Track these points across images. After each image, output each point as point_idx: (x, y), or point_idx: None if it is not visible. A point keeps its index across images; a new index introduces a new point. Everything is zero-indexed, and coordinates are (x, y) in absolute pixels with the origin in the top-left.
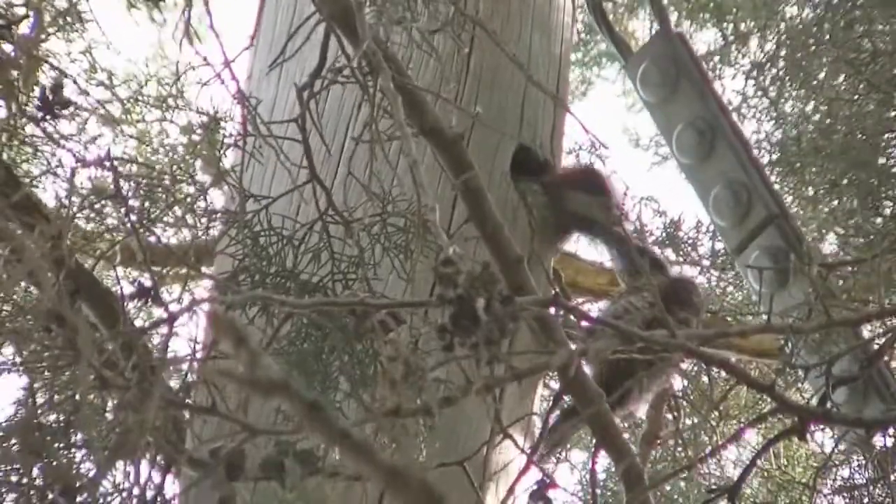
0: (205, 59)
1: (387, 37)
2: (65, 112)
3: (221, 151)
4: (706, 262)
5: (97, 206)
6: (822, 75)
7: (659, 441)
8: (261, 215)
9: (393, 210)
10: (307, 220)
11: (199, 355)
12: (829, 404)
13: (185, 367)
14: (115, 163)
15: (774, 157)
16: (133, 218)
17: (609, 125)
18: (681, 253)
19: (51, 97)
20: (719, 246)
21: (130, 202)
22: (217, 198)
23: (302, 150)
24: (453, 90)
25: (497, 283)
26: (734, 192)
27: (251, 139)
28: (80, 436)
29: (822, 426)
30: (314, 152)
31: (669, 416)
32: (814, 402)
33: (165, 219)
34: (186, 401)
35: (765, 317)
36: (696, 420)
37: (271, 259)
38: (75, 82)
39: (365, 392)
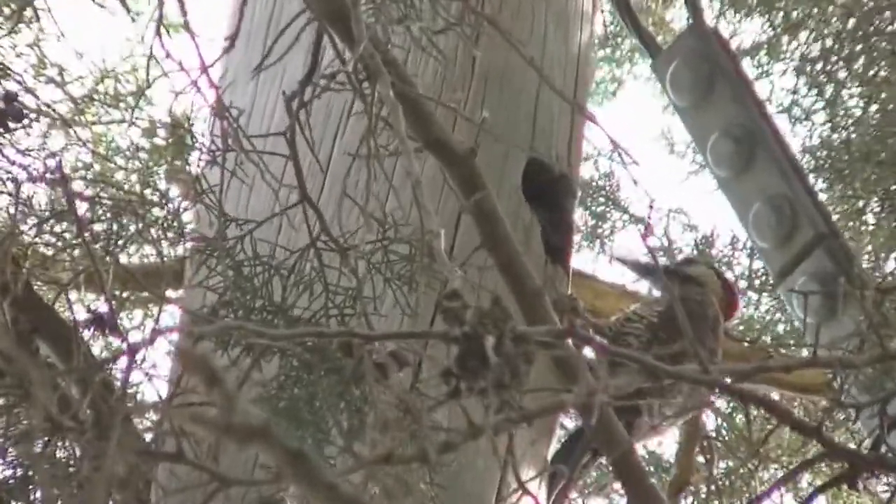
0: (180, 64)
1: (386, 38)
2: (19, 125)
3: (198, 168)
4: (744, 284)
5: (54, 227)
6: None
7: (690, 487)
8: (244, 242)
9: (395, 235)
10: (296, 246)
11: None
12: (883, 448)
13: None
14: (75, 179)
15: (819, 162)
16: (90, 239)
17: (642, 129)
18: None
19: (3, 107)
20: (758, 265)
21: (94, 224)
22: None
23: (284, 162)
24: (459, 95)
25: (509, 319)
26: (777, 208)
27: (231, 153)
28: (39, 493)
29: (876, 473)
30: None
31: (701, 460)
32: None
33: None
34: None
35: (811, 348)
36: (731, 464)
37: (256, 292)
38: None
39: (363, 444)
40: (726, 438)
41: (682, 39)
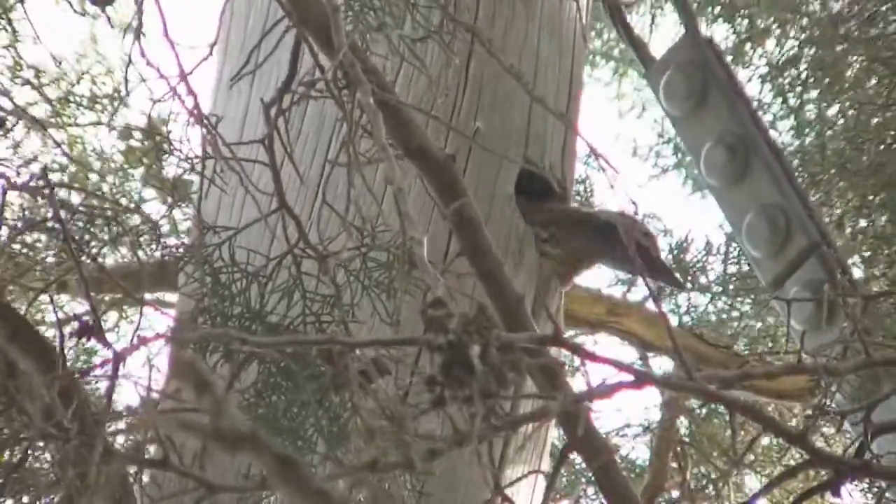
0: (159, 71)
1: (366, 46)
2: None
3: (177, 174)
4: (717, 289)
5: (31, 235)
6: (849, 75)
7: (663, 493)
8: (222, 249)
9: (374, 243)
10: (278, 254)
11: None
12: (868, 455)
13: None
14: (52, 185)
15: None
16: (73, 247)
17: (601, 131)
18: (689, 278)
19: None
20: (732, 269)
21: (68, 229)
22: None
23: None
24: (447, 103)
25: (494, 327)
26: (770, 218)
27: (214, 162)
28: None
29: (860, 480)
30: (290, 175)
31: (675, 466)
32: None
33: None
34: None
35: (793, 355)
36: (704, 469)
37: (234, 299)
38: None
39: (343, 453)
40: (699, 444)
41: (676, 48)
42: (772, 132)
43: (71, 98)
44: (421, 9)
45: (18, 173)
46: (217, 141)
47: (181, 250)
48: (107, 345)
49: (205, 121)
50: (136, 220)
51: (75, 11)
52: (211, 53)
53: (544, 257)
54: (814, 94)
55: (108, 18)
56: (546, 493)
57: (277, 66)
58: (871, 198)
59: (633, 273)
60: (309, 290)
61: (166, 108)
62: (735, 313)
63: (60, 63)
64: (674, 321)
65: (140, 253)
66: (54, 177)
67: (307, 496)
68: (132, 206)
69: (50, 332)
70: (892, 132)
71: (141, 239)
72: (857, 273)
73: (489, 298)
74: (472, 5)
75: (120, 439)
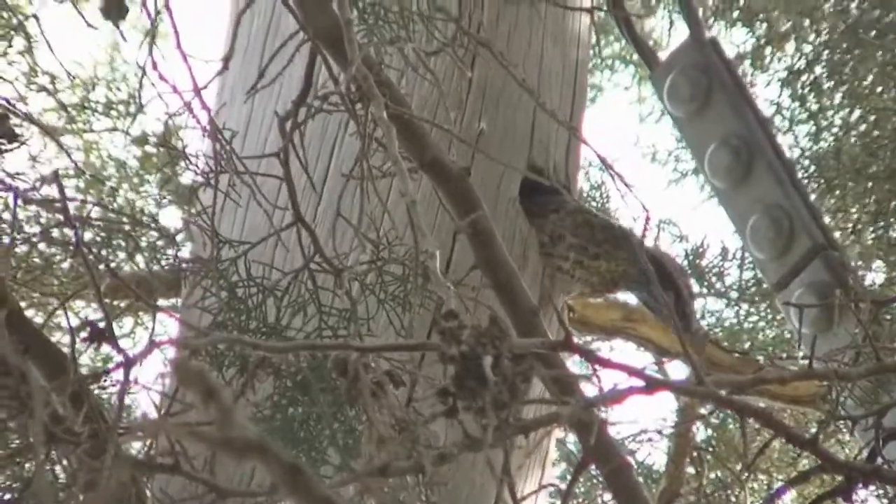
0: (174, 88)
1: (380, 59)
2: (11, 146)
3: (192, 185)
4: (734, 295)
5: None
6: (867, 81)
7: (679, 498)
8: (238, 263)
9: (389, 256)
10: (291, 266)
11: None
12: (879, 461)
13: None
14: (65, 198)
15: (809, 172)
16: (85, 253)
17: (621, 136)
18: (705, 284)
19: None
20: (748, 276)
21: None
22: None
23: (278, 181)
24: (454, 114)
25: (507, 338)
26: (774, 220)
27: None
28: None
29: (871, 486)
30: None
31: (692, 471)
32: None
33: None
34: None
35: (805, 360)
36: (721, 475)
37: (250, 313)
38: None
39: (358, 463)
40: (715, 449)
41: (680, 50)
42: (790, 136)
43: (86, 104)
44: (430, 21)
45: (34, 187)
46: (231, 154)
47: (197, 265)
48: (119, 350)
49: (218, 135)
50: (152, 235)
51: (89, 25)
52: (226, 68)
53: (564, 273)
54: (831, 98)
55: (122, 33)
56: (564, 501)
57: (280, 78)
58: (887, 205)
59: (661, 317)
60: (324, 304)
61: (181, 118)
62: (751, 318)
63: (74, 78)
64: None
65: (155, 266)
66: (69, 182)
67: (314, 502)
68: (148, 218)
69: (63, 338)
70: None
71: (157, 252)
72: (879, 278)
73: (504, 310)
74: (477, 12)
75: (131, 445)
